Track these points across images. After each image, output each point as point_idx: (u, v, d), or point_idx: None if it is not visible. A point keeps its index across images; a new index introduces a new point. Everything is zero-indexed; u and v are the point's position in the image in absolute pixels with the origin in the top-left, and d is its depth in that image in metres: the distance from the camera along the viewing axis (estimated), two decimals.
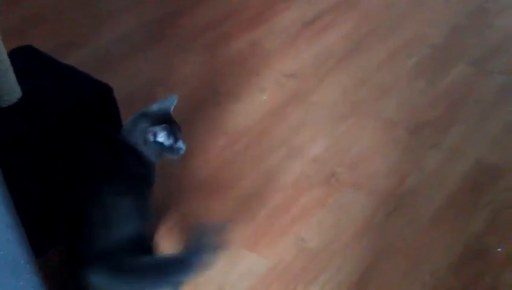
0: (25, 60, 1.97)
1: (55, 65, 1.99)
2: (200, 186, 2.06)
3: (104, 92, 1.92)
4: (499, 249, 1.76)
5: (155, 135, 1.70)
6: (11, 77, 1.72)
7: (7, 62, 1.68)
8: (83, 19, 3.04)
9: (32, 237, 1.29)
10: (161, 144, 1.71)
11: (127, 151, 1.72)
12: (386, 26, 2.80)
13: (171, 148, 1.73)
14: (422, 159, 2.09)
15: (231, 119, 2.32)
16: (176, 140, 1.73)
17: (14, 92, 1.74)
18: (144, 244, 1.69)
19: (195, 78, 2.56)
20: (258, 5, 3.03)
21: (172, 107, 1.77)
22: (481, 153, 2.09)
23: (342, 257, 1.79)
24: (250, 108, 2.37)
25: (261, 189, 2.03)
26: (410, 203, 1.94)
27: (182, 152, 1.76)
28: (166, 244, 1.86)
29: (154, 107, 1.77)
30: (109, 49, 2.78)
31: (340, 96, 2.39)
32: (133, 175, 1.71)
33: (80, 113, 1.84)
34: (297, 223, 1.90)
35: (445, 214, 1.89)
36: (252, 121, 2.30)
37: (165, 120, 1.73)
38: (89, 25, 2.98)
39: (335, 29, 2.80)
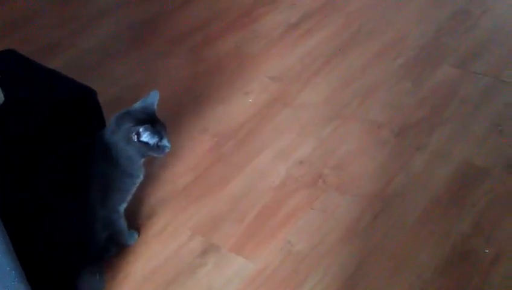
0: (8, 64, 1.96)
1: (38, 69, 1.98)
2: (186, 190, 2.05)
3: (87, 96, 1.90)
4: (486, 251, 1.77)
5: (139, 135, 1.68)
6: None
7: None
8: (64, 22, 3.02)
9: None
10: (146, 143, 1.70)
11: (107, 153, 1.71)
12: (369, 28, 2.81)
13: (156, 147, 1.72)
14: (408, 160, 2.09)
15: (217, 122, 2.31)
16: (160, 138, 1.72)
17: None
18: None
19: (180, 81, 2.55)
20: (242, 8, 3.02)
21: (155, 104, 1.76)
22: (467, 154, 2.10)
23: (329, 260, 1.79)
24: (236, 111, 2.36)
25: (248, 191, 2.02)
26: (397, 205, 1.94)
27: (167, 150, 1.75)
28: (154, 248, 1.85)
29: (137, 105, 1.75)
30: (92, 53, 2.77)
31: (326, 99, 2.39)
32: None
33: (63, 117, 1.83)
34: (284, 226, 1.90)
35: (432, 216, 1.89)
36: (237, 124, 2.29)
37: (149, 119, 1.72)
38: (71, 29, 2.96)
39: (319, 32, 2.80)
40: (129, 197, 1.80)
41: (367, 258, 1.79)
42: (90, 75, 2.41)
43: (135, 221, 1.94)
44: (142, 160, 1.76)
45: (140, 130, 1.67)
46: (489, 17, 2.82)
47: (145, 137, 1.69)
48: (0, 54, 1.98)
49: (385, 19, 2.87)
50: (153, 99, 1.76)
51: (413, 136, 2.19)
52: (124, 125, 1.70)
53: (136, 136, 1.68)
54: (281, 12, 2.97)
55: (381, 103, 2.36)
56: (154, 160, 2.13)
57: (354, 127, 2.25)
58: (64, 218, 1.65)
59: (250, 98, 2.42)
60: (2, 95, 1.73)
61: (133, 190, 1.80)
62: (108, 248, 1.81)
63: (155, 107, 1.76)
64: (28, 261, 1.40)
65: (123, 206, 1.80)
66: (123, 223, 1.82)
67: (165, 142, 1.73)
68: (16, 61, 1.99)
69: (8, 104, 1.73)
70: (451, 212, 1.90)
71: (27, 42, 2.74)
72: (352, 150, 2.15)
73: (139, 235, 1.89)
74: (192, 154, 2.18)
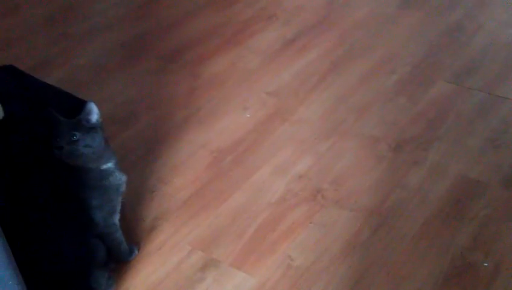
0: (7, 80, 1.95)
1: (37, 85, 1.98)
2: (186, 205, 2.05)
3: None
4: (485, 264, 1.78)
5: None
6: None
7: None
8: (57, 40, 3.03)
9: None
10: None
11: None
12: (363, 45, 2.84)
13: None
14: (405, 175, 2.11)
15: (215, 137, 2.32)
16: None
17: None
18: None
19: (175, 98, 2.56)
20: (237, 25, 3.05)
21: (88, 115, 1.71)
22: (463, 169, 2.12)
23: (329, 274, 1.79)
24: (234, 126, 2.37)
25: (247, 206, 2.02)
26: (395, 220, 1.95)
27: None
28: (154, 263, 1.85)
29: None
30: (85, 70, 2.78)
31: (322, 114, 2.41)
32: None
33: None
34: (284, 240, 1.90)
35: (430, 231, 1.91)
36: (236, 139, 2.30)
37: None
38: (64, 46, 2.97)
39: (314, 48, 2.82)
40: (118, 208, 1.79)
41: (366, 273, 1.79)
42: (84, 92, 2.39)
43: (134, 236, 1.94)
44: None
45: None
46: (482, 34, 2.85)
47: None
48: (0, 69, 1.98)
49: (380, 35, 2.90)
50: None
51: (410, 151, 2.21)
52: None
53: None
54: (276, 29, 2.99)
55: (377, 118, 2.37)
56: (155, 174, 2.15)
57: (350, 142, 2.27)
58: (58, 244, 1.65)
59: (248, 114, 2.43)
60: (2, 110, 1.73)
61: (117, 200, 1.78)
62: (108, 263, 1.81)
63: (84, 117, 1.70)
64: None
65: (116, 218, 1.79)
66: (120, 236, 1.81)
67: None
68: (15, 76, 1.99)
69: (7, 120, 1.74)
70: (449, 227, 1.91)
71: (20, 60, 2.73)
72: (350, 165, 2.17)
73: (138, 250, 1.89)
74: (192, 169, 2.19)
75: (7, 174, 1.66)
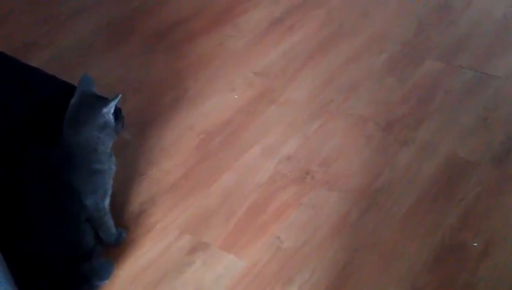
0: None
1: (20, 68, 1.95)
2: (174, 187, 2.04)
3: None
4: (475, 244, 1.77)
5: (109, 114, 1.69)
6: None
7: None
8: (42, 20, 2.98)
9: None
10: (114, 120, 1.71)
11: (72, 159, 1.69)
12: (352, 24, 2.81)
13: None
14: (394, 155, 2.10)
15: (203, 119, 2.30)
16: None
17: None
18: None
19: (163, 79, 2.53)
20: (224, 4, 3.01)
21: (93, 87, 1.75)
22: (452, 147, 2.11)
23: (318, 256, 1.79)
24: (222, 107, 2.35)
25: (236, 188, 2.01)
26: (384, 200, 1.94)
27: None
28: (142, 247, 1.84)
29: (77, 96, 1.72)
30: (70, 51, 2.74)
31: (310, 94, 2.39)
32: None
33: (45, 115, 1.81)
34: (273, 222, 1.89)
35: (419, 210, 1.90)
36: (224, 120, 2.28)
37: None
38: (48, 27, 2.92)
39: (302, 27, 2.79)
40: (109, 192, 1.78)
41: (356, 254, 1.79)
42: (69, 73, 2.36)
43: (123, 220, 1.92)
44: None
45: (108, 109, 1.68)
46: (471, 11, 2.83)
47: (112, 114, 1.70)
48: None
49: (367, 14, 2.87)
50: (87, 83, 1.74)
51: (399, 130, 2.19)
52: (90, 116, 1.68)
53: (111, 115, 1.68)
54: (264, 7, 2.96)
55: (366, 98, 2.36)
56: (144, 156, 2.13)
57: (339, 122, 2.25)
58: (48, 229, 1.63)
59: (236, 95, 2.41)
60: None
61: (110, 183, 1.78)
62: (96, 248, 1.79)
63: (94, 89, 1.74)
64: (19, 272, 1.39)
65: (107, 202, 1.78)
66: (109, 220, 1.80)
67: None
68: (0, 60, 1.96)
69: None
70: (439, 206, 1.91)
71: (4, 40, 2.71)
72: (339, 146, 2.15)
73: (126, 234, 1.87)
74: (179, 151, 2.17)
75: None
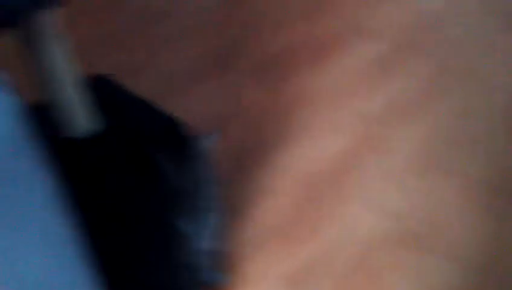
0: (100, 90, 1.89)
1: (129, 97, 1.91)
2: (272, 232, 1.97)
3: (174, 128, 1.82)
4: None
5: None
6: (86, 106, 1.66)
7: (82, 89, 1.64)
8: (142, 43, 2.96)
9: None
10: None
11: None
12: (463, 70, 2.65)
13: None
14: (509, 223, 1.95)
15: (302, 160, 2.22)
16: None
17: (88, 122, 1.67)
18: None
19: (262, 112, 2.45)
20: (326, 38, 2.90)
21: None
22: None
23: None
24: (322, 149, 2.26)
25: (336, 242, 1.93)
26: (499, 275, 1.80)
27: None
28: None
29: None
30: (171, 78, 2.70)
31: (419, 146, 2.26)
32: None
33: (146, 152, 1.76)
34: (372, 284, 1.79)
35: None
36: (324, 164, 2.19)
37: None
38: (148, 50, 2.89)
39: (409, 71, 2.65)
40: (209, 231, 1.74)
41: None
42: (168, 101, 2.34)
43: (220, 262, 1.86)
44: None
45: None
46: None
47: None
48: (93, 78, 1.92)
49: (485, 60, 2.70)
50: None
51: None
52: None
53: None
54: (369, 46, 2.83)
55: (485, 157, 2.20)
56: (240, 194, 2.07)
57: (450, 181, 2.11)
58: (148, 274, 1.59)
59: (336, 138, 2.30)
60: (94, 120, 1.68)
61: (214, 223, 1.74)
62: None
63: None
64: None
65: (207, 242, 1.73)
66: (207, 261, 1.75)
67: None
68: (107, 87, 1.92)
69: (98, 131, 1.68)
70: None
71: (105, 62, 2.70)
72: (448, 209, 2.02)
73: (223, 278, 1.80)
74: (275, 195, 2.10)
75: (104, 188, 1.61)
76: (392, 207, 2.03)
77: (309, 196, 2.08)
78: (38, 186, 1.00)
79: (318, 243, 1.92)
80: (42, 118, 1.73)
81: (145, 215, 1.62)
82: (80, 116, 1.66)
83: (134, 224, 1.60)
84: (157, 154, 1.72)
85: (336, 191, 2.09)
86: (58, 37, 1.51)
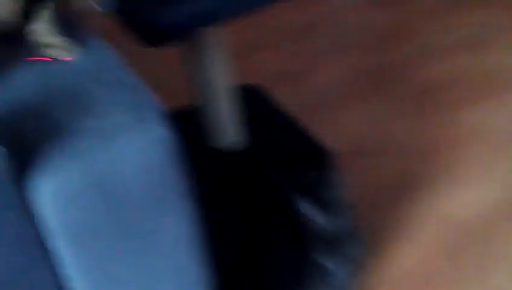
0: (248, 100, 1.82)
1: (275, 112, 1.82)
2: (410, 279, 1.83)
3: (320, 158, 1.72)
4: None
5: None
6: (237, 117, 1.62)
7: (235, 99, 1.60)
8: (294, 53, 2.90)
9: None
10: None
11: None
12: None
13: None
14: None
15: (447, 207, 2.06)
16: None
17: (235, 135, 1.63)
18: None
19: (411, 146, 2.31)
20: (486, 73, 2.69)
21: None
22: None
23: None
24: (472, 201, 2.08)
25: None
26: None
27: None
28: None
29: None
30: (319, 94, 2.62)
31: None
32: None
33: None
34: None
35: None
36: (476, 219, 2.01)
37: None
38: (301, 62, 2.83)
39: None
40: None
41: None
42: (315, 117, 2.25)
43: None
44: None
45: None
46: None
47: None
48: (245, 87, 1.85)
49: None
50: None
51: None
52: None
53: None
54: None
55: None
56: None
57: None
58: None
59: (490, 189, 2.11)
60: (242, 134, 1.65)
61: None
62: None
63: None
64: None
65: None
66: None
67: None
68: (258, 99, 1.85)
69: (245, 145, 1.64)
70: None
71: (254, 70, 2.69)
72: None
73: None
74: (414, 237, 1.96)
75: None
76: None
77: (450, 249, 1.92)
78: (184, 219, 0.96)
79: None
80: (188, 125, 1.69)
81: (291, 251, 1.54)
82: (230, 127, 1.60)
83: (280, 259, 1.53)
84: (298, 191, 1.63)
85: (481, 255, 1.91)
86: (220, 45, 1.48)
